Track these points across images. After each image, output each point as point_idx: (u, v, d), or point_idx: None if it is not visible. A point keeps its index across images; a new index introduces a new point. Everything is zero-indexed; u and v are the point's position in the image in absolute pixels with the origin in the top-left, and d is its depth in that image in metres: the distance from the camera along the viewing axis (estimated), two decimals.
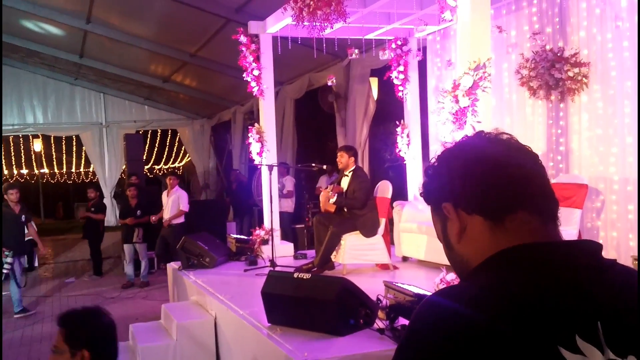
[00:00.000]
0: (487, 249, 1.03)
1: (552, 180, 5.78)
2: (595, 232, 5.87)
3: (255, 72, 7.51)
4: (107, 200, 16.03)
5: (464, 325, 0.91)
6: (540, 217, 1.04)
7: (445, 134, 4.34)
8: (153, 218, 9.88)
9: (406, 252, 6.84)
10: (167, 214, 9.64)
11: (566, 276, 0.97)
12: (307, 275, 4.39)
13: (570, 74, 5.89)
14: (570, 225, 5.35)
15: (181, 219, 9.67)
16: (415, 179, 7.89)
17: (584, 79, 5.86)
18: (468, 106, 4.13)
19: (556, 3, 6.12)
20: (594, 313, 0.93)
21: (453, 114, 4.19)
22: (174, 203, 9.61)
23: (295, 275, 4.44)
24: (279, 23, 7.01)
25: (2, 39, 13.05)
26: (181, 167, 20.08)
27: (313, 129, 12.91)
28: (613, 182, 5.67)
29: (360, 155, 10.26)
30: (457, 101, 4.15)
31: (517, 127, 6.76)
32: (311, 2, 5.74)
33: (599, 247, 1.04)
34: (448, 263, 1.24)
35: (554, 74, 6.01)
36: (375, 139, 10.64)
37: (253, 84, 7.58)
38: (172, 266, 7.38)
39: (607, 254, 4.70)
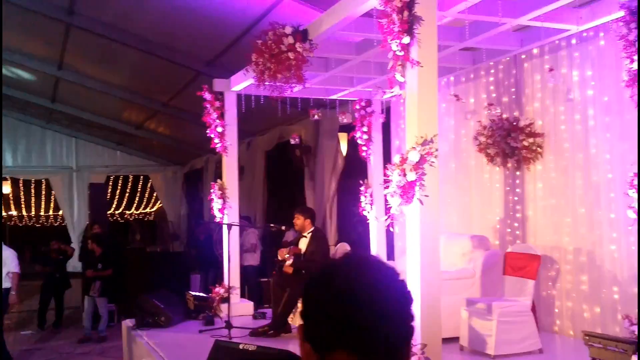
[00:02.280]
0: None
1: (508, 249, 5.82)
2: (551, 301, 5.87)
3: (219, 129, 7.52)
4: (75, 245, 15.79)
5: None
6: (360, 357, 1.07)
7: (394, 207, 4.35)
8: None
9: None
10: None
11: None
12: (252, 347, 4.30)
13: (526, 143, 6.01)
14: (523, 296, 5.35)
15: (6, 283, 7.93)
16: (377, 239, 7.86)
17: (538, 148, 5.97)
18: (415, 180, 4.16)
19: (512, 74, 6.27)
20: None
21: (400, 187, 4.21)
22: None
23: (241, 346, 4.35)
24: (243, 83, 7.07)
25: None
26: (152, 213, 19.89)
27: (284, 181, 12.91)
28: (567, 252, 5.71)
29: (329, 209, 10.25)
30: (404, 175, 4.17)
31: (476, 191, 6.83)
32: (271, 66, 5.79)
33: None
34: None
35: (510, 143, 6.11)
36: (344, 194, 10.63)
37: (216, 140, 7.58)
38: (126, 324, 7.20)
39: (563, 324, 4.70)
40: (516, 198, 6.30)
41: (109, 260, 9.68)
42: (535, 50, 5.91)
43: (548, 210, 5.91)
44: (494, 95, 6.48)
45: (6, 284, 7.95)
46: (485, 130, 6.38)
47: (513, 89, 6.26)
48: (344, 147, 9.99)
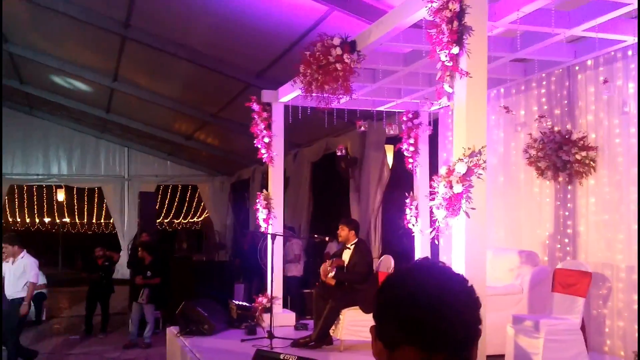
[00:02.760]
0: None
1: (557, 265, 5.66)
2: (601, 320, 5.67)
3: (266, 140, 7.60)
4: (124, 253, 16.17)
5: None
6: (426, 353, 1.18)
7: (439, 219, 4.29)
8: None
9: None
10: (9, 288, 7.74)
11: None
12: (293, 357, 4.30)
13: (578, 157, 5.84)
14: (572, 314, 5.18)
15: (22, 292, 7.77)
16: (422, 252, 7.77)
17: (591, 162, 5.80)
18: (462, 192, 4.09)
19: (565, 86, 6.12)
20: None
21: (446, 199, 4.15)
22: (20, 275, 7.79)
23: (282, 356, 4.35)
24: (290, 94, 7.13)
25: (33, 92, 13.57)
26: (199, 223, 20.21)
27: (329, 192, 12.91)
28: (620, 269, 5.51)
29: (374, 221, 10.19)
30: (450, 187, 4.11)
31: (525, 206, 6.68)
32: (319, 77, 5.82)
33: None
34: None
35: (561, 156, 5.96)
36: (390, 206, 10.55)
37: (263, 150, 7.66)
38: (171, 331, 7.30)
39: (613, 344, 4.52)
40: (567, 213, 6.12)
41: (158, 268, 9.85)
42: (589, 62, 5.76)
43: (600, 226, 5.72)
44: (545, 107, 6.33)
45: (22, 293, 7.78)
46: (535, 143, 6.24)
47: (565, 101, 6.11)
48: (390, 159, 9.94)
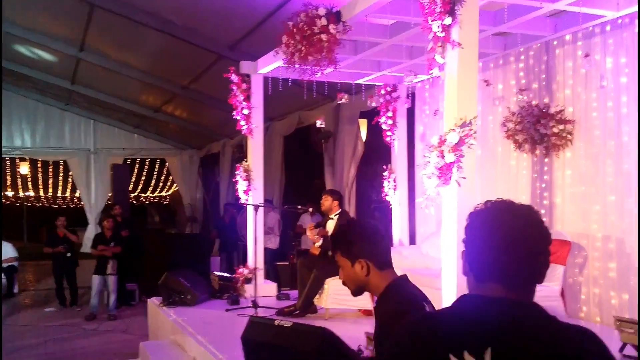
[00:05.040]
0: None
1: None
2: (577, 287, 5.90)
3: (245, 112, 7.56)
4: (92, 227, 15.93)
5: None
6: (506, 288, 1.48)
7: (430, 188, 4.39)
8: None
9: None
10: None
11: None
12: (288, 323, 4.34)
13: (556, 130, 6.00)
14: (553, 281, 5.38)
15: None
16: (400, 224, 7.91)
17: (568, 135, 5.97)
18: (453, 162, 4.19)
19: (543, 60, 6.26)
20: (487, 341, 1.35)
21: (438, 168, 4.25)
22: None
23: (276, 322, 4.39)
24: (271, 65, 7.09)
25: None
26: (168, 197, 20.03)
27: (301, 166, 12.95)
28: (595, 239, 5.73)
29: (347, 195, 10.29)
30: (442, 156, 4.21)
31: (502, 179, 6.85)
32: (303, 48, 5.81)
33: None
34: None
35: (539, 129, 6.12)
36: (363, 179, 10.67)
37: (242, 122, 7.63)
38: (152, 302, 7.30)
39: (589, 310, 4.71)
40: (544, 185, 6.31)
41: (120, 238, 9.87)
42: (567, 37, 5.90)
43: (577, 198, 5.92)
44: (523, 81, 6.47)
45: None
46: (514, 117, 6.38)
47: (543, 76, 6.25)
48: (363, 133, 10.02)
